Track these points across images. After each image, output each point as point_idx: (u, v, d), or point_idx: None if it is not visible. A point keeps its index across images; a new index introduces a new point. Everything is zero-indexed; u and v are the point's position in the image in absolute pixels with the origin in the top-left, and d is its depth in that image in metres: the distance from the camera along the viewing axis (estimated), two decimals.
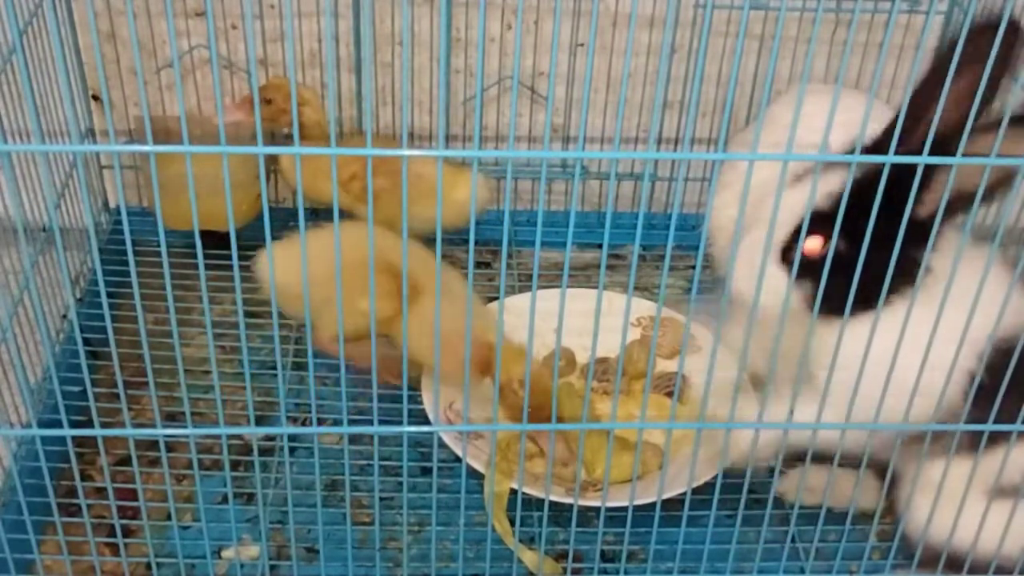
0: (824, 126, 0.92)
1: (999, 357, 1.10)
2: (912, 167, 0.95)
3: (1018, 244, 1.50)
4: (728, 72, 1.79)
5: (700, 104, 1.84)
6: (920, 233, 1.04)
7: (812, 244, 1.11)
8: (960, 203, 1.03)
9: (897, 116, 0.98)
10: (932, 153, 0.93)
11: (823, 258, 1.08)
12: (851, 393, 1.08)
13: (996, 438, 1.14)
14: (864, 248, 0.97)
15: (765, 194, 1.02)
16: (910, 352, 1.05)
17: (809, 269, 1.09)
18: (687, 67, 1.80)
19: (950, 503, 1.16)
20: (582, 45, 1.78)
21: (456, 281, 1.39)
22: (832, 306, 1.05)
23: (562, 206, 1.95)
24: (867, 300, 1.06)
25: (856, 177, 1.02)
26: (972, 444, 1.14)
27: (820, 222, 1.05)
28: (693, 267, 1.78)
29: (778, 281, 1.13)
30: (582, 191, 1.92)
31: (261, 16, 1.73)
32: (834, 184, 1.11)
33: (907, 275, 1.08)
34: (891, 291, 1.07)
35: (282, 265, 1.16)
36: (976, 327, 1.05)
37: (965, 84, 0.99)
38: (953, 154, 0.95)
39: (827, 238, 1.09)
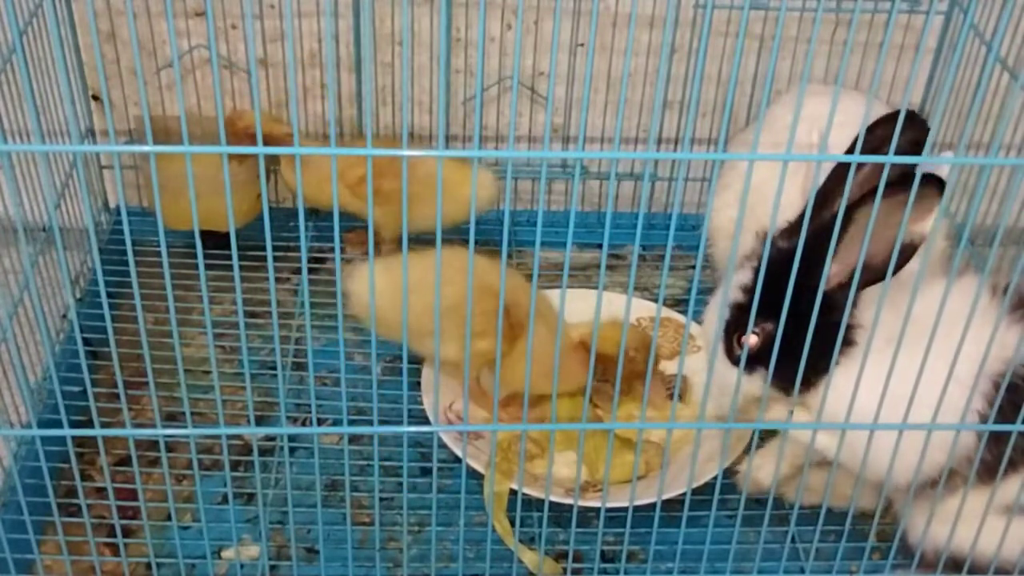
0: (824, 126, 0.93)
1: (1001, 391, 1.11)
2: (823, 244, 1.00)
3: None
4: (728, 72, 1.79)
5: (700, 104, 1.84)
6: (840, 300, 1.07)
7: (752, 341, 1.15)
8: (868, 272, 1.05)
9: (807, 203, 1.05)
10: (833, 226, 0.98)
11: (767, 347, 1.11)
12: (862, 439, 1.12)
13: (992, 472, 1.15)
14: (809, 323, 1.02)
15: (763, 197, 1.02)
16: (901, 401, 1.07)
17: (758, 357, 1.15)
18: (687, 67, 1.80)
19: (950, 517, 1.17)
20: (582, 45, 1.78)
21: (544, 302, 1.41)
22: (790, 381, 1.11)
23: (562, 206, 1.95)
24: (817, 369, 1.12)
25: (768, 263, 1.04)
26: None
27: (746, 315, 1.08)
28: (693, 267, 1.78)
29: (731, 378, 1.16)
30: (582, 191, 1.92)
31: (261, 16, 1.73)
32: (747, 277, 1.16)
33: (846, 338, 1.11)
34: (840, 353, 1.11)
35: (381, 290, 1.14)
36: (966, 368, 1.07)
37: (869, 169, 1.11)
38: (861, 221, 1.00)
39: (762, 328, 1.13)
